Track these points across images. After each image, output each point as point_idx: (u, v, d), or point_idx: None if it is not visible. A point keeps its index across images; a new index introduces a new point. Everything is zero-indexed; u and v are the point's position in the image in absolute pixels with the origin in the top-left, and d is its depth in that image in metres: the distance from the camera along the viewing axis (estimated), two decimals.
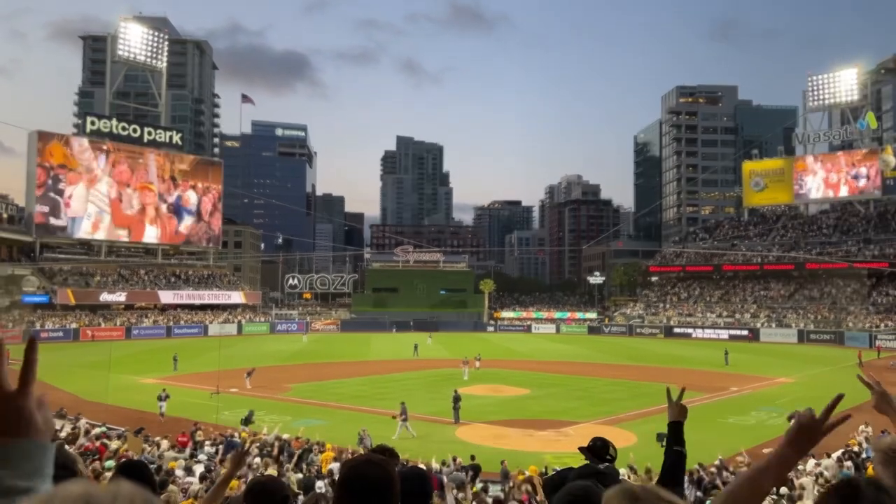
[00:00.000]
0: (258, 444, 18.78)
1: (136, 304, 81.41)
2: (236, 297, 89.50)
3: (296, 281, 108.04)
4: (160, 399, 28.93)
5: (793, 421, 2.07)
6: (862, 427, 20.89)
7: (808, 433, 2.00)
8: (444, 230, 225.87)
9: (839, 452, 17.79)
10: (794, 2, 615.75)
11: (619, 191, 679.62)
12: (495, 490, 14.74)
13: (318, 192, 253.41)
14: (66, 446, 13.22)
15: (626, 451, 17.19)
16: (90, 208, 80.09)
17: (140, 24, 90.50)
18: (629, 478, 14.08)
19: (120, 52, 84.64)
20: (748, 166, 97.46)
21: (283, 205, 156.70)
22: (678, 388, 3.57)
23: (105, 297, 78.01)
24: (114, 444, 18.21)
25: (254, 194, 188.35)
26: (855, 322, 72.04)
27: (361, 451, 17.32)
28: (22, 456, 1.23)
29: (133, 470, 3.83)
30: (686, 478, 9.76)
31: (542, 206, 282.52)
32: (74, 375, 39.68)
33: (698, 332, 78.58)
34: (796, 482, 14.35)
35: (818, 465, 16.41)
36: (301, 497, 10.27)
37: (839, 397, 2.11)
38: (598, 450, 4.40)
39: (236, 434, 21.83)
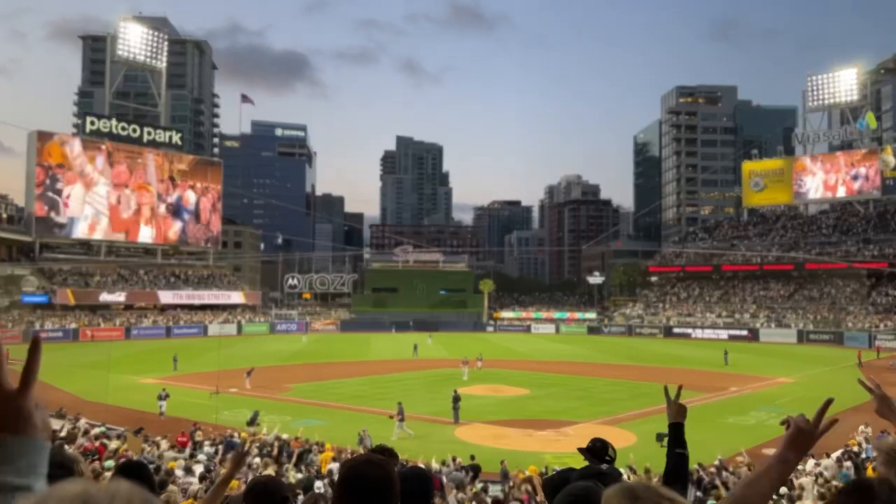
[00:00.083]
0: (258, 444, 18.79)
1: (136, 304, 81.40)
2: (236, 298, 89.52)
3: (295, 281, 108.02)
4: (160, 398, 29.02)
5: (790, 425, 2.15)
6: (862, 427, 20.94)
7: (804, 436, 2.10)
8: (444, 230, 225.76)
9: (838, 452, 17.82)
10: (794, 2, 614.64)
11: (619, 191, 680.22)
12: (495, 490, 14.74)
13: (318, 192, 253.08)
14: (66, 446, 13.24)
15: (626, 452, 17.19)
16: (87, 209, 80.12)
17: (140, 24, 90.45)
18: (629, 478, 14.07)
19: (120, 52, 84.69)
20: (748, 166, 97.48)
21: (283, 205, 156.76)
22: (675, 386, 3.57)
23: (104, 297, 78.05)
24: (113, 444, 18.23)
25: (253, 194, 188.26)
26: (854, 322, 72.08)
27: (361, 452, 17.31)
28: (18, 453, 1.24)
29: (132, 470, 3.82)
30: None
31: (541, 206, 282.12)
32: (74, 375, 39.64)
33: (698, 333, 78.63)
34: (796, 482, 14.35)
35: (818, 465, 16.44)
36: (301, 497, 10.26)
37: (829, 402, 2.18)
38: (598, 451, 4.39)
39: (236, 434, 21.85)
